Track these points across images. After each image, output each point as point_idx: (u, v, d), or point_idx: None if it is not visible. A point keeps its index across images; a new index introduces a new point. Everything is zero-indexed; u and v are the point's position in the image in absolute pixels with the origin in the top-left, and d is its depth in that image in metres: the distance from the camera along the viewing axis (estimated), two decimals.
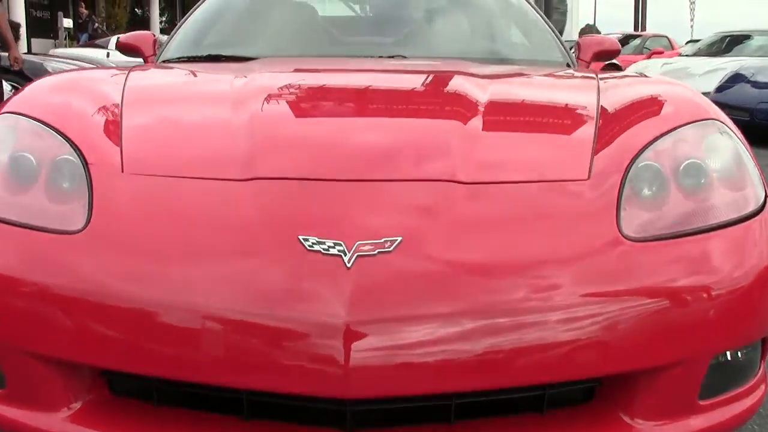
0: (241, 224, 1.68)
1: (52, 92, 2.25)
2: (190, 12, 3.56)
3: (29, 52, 21.74)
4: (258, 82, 2.37)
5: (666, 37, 18.34)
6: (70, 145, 1.93)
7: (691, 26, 46.80)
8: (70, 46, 22.52)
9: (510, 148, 2.08)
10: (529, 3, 3.56)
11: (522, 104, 2.39)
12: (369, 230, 1.63)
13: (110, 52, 17.53)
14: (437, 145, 1.96)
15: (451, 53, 3.14)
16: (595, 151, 1.94)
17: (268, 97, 2.26)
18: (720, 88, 9.47)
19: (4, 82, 5.58)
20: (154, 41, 3.60)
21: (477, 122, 2.05)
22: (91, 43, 19.68)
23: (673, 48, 17.34)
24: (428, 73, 2.76)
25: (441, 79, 2.60)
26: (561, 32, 37.72)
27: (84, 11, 24.50)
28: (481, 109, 2.14)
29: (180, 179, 1.83)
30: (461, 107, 2.18)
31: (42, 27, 24.39)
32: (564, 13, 52.29)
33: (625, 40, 17.98)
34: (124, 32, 20.45)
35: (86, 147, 1.93)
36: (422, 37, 3.29)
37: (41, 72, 8.55)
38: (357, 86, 2.57)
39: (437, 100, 2.41)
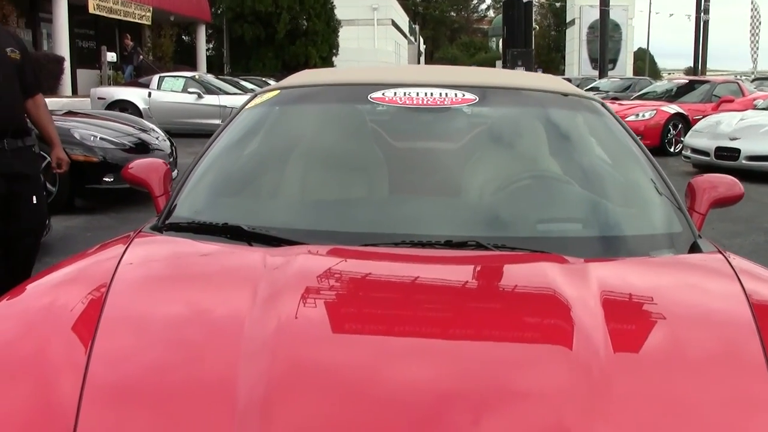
0: None
1: None
2: (210, 142, 2.78)
3: (74, 85, 21.55)
4: (288, 306, 1.74)
5: (737, 82, 17.29)
6: None
7: (754, 56, 43.83)
8: (115, 78, 22.29)
9: None
10: (642, 149, 2.75)
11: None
12: None
13: (152, 91, 17.16)
14: None
15: (541, 233, 2.40)
16: None
17: (302, 340, 1.62)
18: None
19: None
20: (166, 173, 2.86)
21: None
22: (134, 81, 19.29)
23: (743, 94, 16.20)
24: (517, 283, 2.04)
25: (539, 303, 1.88)
26: (615, 61, 37.29)
27: (129, 42, 24.31)
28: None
29: None
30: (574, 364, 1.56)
31: (88, 57, 24.21)
32: (618, 41, 51.69)
33: (691, 85, 17.00)
34: (171, 61, 20.56)
35: None
36: (505, 214, 2.51)
37: (68, 139, 7.94)
38: (423, 303, 1.89)
39: (540, 336, 1.74)
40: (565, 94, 2.96)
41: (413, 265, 2.10)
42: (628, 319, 1.79)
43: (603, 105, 2.93)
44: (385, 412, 1.39)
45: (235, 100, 17.08)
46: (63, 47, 20.66)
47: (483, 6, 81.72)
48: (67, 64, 20.41)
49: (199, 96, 17.03)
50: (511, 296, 1.94)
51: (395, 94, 2.69)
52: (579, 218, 2.53)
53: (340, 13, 35.53)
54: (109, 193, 8.27)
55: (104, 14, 22.89)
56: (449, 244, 2.19)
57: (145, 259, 2.17)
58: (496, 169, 2.74)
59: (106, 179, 8.05)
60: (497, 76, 3.47)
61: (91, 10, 21.96)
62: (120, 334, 1.67)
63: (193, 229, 2.35)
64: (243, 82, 19.94)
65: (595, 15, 32.72)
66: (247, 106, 2.91)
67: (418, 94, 2.68)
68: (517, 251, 2.19)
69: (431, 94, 2.68)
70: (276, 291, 1.77)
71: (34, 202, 4.47)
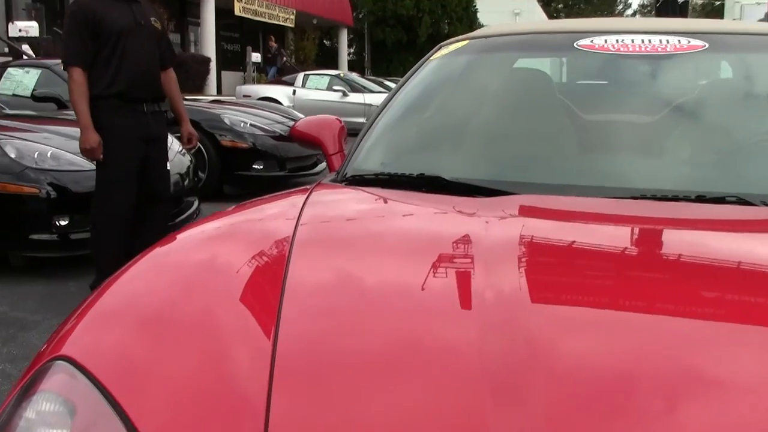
0: None
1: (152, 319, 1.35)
2: (392, 93, 2.49)
3: (219, 85, 21.93)
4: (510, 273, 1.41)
5: None
6: None
7: None
8: (258, 80, 22.57)
9: None
10: None
11: None
12: None
13: (296, 89, 17.20)
14: None
15: None
16: None
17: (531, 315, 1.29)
18: None
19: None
20: (340, 131, 2.61)
21: None
22: (278, 79, 19.46)
23: None
24: None
25: None
26: None
27: (273, 45, 24.60)
28: None
29: None
30: None
31: (232, 60, 24.66)
32: None
33: None
34: (313, 65, 20.69)
35: None
36: (760, 170, 2.04)
37: (218, 124, 7.83)
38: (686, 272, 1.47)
39: None
40: None
41: (668, 230, 1.72)
42: None
43: None
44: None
45: (380, 99, 16.91)
46: (210, 49, 21.07)
47: (629, 12, 79.58)
48: (213, 65, 20.79)
49: (344, 94, 16.95)
50: None
51: (606, 41, 2.34)
52: None
53: (482, 18, 35.15)
54: (257, 181, 8.09)
55: (249, 17, 23.24)
56: (701, 200, 1.82)
57: (333, 214, 1.90)
58: (740, 122, 2.32)
59: (256, 166, 7.88)
60: (722, 23, 3.02)
61: (236, 13, 22.32)
62: (314, 300, 1.37)
63: (381, 182, 2.07)
64: (387, 82, 19.83)
65: (760, 14, 31.01)
66: (431, 57, 2.66)
67: (633, 41, 2.32)
68: None
69: (650, 40, 2.31)
70: (500, 254, 1.46)
71: (167, 167, 4.60)
